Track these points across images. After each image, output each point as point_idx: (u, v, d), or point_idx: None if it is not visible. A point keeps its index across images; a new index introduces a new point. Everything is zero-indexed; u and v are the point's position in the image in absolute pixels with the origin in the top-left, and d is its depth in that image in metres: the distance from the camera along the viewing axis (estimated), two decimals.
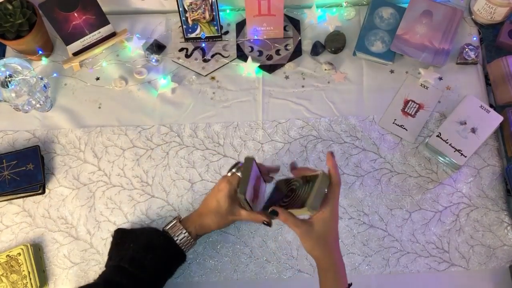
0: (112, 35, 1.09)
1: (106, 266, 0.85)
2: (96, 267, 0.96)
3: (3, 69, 0.98)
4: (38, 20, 1.02)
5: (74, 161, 1.03)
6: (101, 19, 1.05)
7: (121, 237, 0.87)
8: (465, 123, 0.97)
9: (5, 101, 0.99)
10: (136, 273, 0.80)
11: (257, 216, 0.83)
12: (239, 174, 0.84)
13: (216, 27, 1.09)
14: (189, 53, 1.11)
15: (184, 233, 0.84)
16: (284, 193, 0.84)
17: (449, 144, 0.96)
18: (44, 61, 1.09)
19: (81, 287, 0.79)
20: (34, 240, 0.98)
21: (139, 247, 0.82)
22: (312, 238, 0.75)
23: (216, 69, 1.09)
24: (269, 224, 0.82)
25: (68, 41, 1.05)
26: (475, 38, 1.08)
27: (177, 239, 0.84)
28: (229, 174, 0.86)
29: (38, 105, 1.02)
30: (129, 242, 0.84)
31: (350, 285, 0.76)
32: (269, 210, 0.78)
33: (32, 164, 0.99)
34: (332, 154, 0.77)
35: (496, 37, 1.06)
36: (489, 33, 1.09)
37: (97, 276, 0.88)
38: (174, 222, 0.86)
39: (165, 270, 0.84)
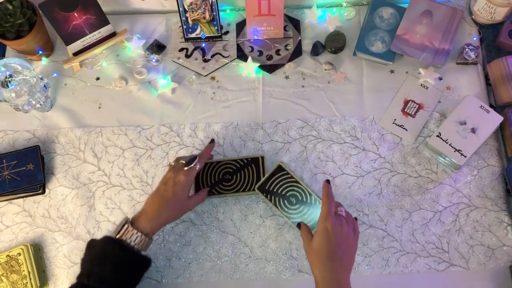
0: (112, 35, 1.09)
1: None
2: None
3: (3, 69, 0.98)
4: (38, 20, 1.02)
5: (74, 161, 1.03)
6: (101, 19, 1.05)
7: (85, 248, 0.83)
8: (465, 123, 0.97)
9: (5, 101, 0.99)
10: (96, 287, 0.77)
11: (203, 196, 0.94)
12: (198, 168, 0.89)
13: (216, 27, 1.09)
14: (189, 53, 1.11)
15: (137, 234, 0.81)
16: (219, 177, 0.98)
17: (449, 144, 0.96)
18: (44, 61, 1.09)
19: None
20: (34, 240, 0.98)
21: (96, 259, 0.79)
22: (309, 251, 0.81)
23: (216, 69, 1.09)
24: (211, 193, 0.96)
25: (68, 41, 1.05)
26: (475, 38, 1.08)
27: (131, 242, 0.80)
28: (185, 168, 0.88)
29: (38, 105, 1.02)
30: (86, 253, 0.81)
31: None
32: (296, 224, 0.92)
33: (32, 164, 0.99)
34: (328, 182, 0.87)
35: (496, 37, 1.06)
36: (489, 33, 1.09)
37: None
38: (126, 226, 0.81)
39: (127, 279, 0.81)
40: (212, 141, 0.98)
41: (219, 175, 0.98)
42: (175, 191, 0.86)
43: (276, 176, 0.96)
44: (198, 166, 0.89)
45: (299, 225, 0.89)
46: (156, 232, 0.85)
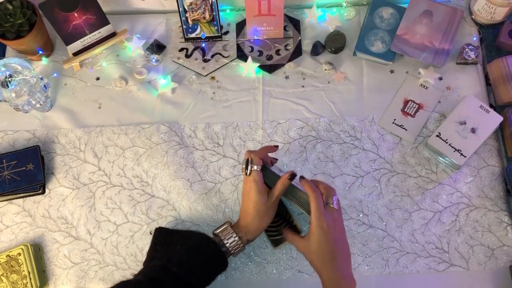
0: (112, 35, 1.09)
1: (145, 265, 0.84)
2: (96, 267, 0.96)
3: (3, 69, 0.98)
4: (38, 20, 1.02)
5: (74, 161, 1.03)
6: (101, 19, 1.05)
7: (165, 237, 0.86)
8: (465, 123, 0.97)
9: (5, 101, 0.99)
10: (183, 277, 0.77)
11: (282, 181, 0.84)
12: (255, 168, 0.83)
13: (216, 27, 1.09)
14: (189, 53, 1.11)
15: (235, 237, 0.82)
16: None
17: (449, 144, 0.96)
18: (44, 61, 1.09)
19: (121, 283, 0.76)
20: (34, 240, 0.98)
21: (189, 251, 0.81)
22: (308, 252, 0.80)
23: (216, 69, 1.09)
24: (293, 176, 0.84)
25: (68, 41, 1.05)
26: (475, 38, 1.08)
27: (227, 243, 0.82)
28: (248, 173, 0.83)
29: (38, 105, 1.02)
30: (175, 243, 0.83)
31: None
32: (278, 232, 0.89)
33: (32, 164, 0.99)
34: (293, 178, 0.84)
35: (496, 37, 1.06)
36: (489, 33, 1.09)
37: (97, 276, 0.87)
38: (225, 226, 0.84)
39: (209, 277, 0.82)
40: (276, 146, 0.90)
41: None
42: (251, 200, 0.82)
43: None
44: (255, 167, 0.83)
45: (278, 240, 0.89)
46: (252, 240, 0.85)
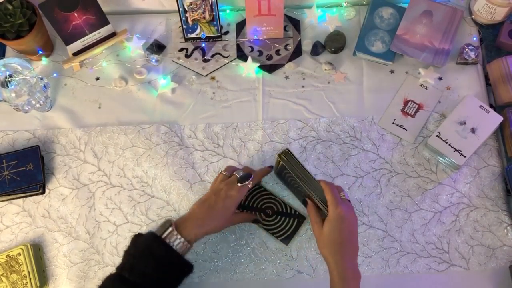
0: (112, 35, 1.09)
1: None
2: (95, 267, 0.96)
3: (3, 69, 0.98)
4: (38, 20, 1.02)
5: (74, 161, 1.03)
6: (101, 19, 1.05)
7: (133, 240, 0.83)
8: (465, 123, 0.97)
9: (5, 101, 0.99)
10: (137, 282, 0.77)
11: (249, 217, 0.96)
12: (249, 186, 0.88)
13: (216, 27, 1.09)
14: (189, 53, 1.11)
15: (180, 239, 0.80)
16: (261, 206, 0.98)
17: (449, 144, 0.96)
18: (44, 61, 1.09)
19: None
20: (34, 240, 0.98)
21: (140, 255, 0.79)
22: (320, 235, 0.82)
23: (216, 69, 1.09)
24: (257, 221, 0.96)
25: (68, 41, 1.05)
26: (475, 38, 1.08)
27: (173, 246, 0.80)
28: (245, 184, 0.87)
29: (38, 105, 1.02)
30: (131, 247, 0.82)
31: None
32: (302, 200, 0.93)
33: (32, 164, 0.99)
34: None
35: (496, 37, 1.06)
36: (489, 33, 1.09)
37: (96, 276, 0.88)
38: (170, 229, 0.81)
39: (168, 280, 0.81)
40: (270, 167, 0.97)
41: (261, 205, 0.97)
42: (225, 204, 0.85)
43: (251, 192, 0.98)
44: (250, 185, 0.88)
45: (304, 201, 0.88)
46: (198, 240, 0.84)
